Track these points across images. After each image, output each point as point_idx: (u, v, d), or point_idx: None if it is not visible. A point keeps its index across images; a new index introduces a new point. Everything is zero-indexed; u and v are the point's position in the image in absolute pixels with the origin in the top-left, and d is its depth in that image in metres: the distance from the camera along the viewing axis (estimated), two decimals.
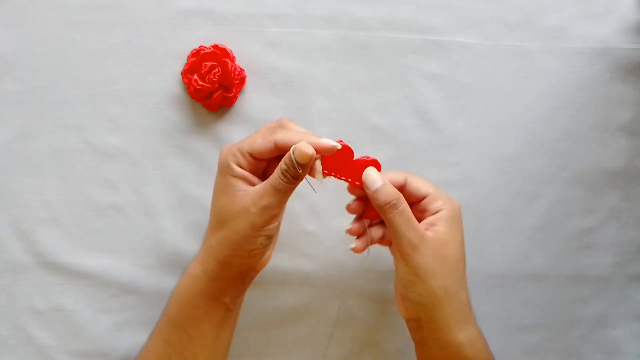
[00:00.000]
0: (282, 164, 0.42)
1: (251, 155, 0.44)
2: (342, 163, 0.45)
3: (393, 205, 0.44)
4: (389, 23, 0.56)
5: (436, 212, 0.46)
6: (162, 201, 0.55)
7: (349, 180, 0.46)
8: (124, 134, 0.55)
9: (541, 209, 0.57)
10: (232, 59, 0.54)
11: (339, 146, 0.43)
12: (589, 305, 0.57)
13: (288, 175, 0.42)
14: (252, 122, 0.55)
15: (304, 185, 0.55)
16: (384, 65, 0.56)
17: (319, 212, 0.56)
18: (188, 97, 0.55)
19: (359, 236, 0.47)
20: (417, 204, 0.47)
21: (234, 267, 0.45)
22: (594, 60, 0.57)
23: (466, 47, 0.56)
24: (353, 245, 0.46)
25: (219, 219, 0.44)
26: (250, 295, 0.55)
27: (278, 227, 0.45)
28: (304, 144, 0.42)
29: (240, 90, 0.55)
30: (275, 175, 0.43)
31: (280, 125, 0.45)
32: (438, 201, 0.46)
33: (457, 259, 0.46)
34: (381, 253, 0.56)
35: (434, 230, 0.45)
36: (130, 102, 0.55)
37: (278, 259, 0.55)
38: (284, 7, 0.55)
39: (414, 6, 0.56)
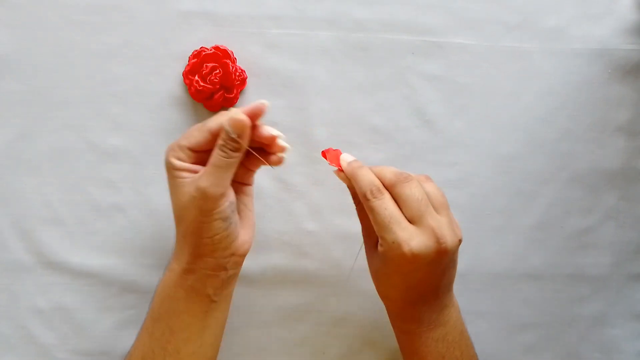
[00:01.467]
0: (219, 140, 0.43)
1: (189, 148, 0.44)
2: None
3: (372, 199, 0.44)
4: (388, 24, 0.56)
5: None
6: (163, 201, 0.55)
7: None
8: (125, 134, 0.55)
9: (540, 209, 0.57)
10: (233, 60, 0.54)
11: (266, 103, 0.44)
12: (588, 305, 0.57)
13: (226, 150, 0.43)
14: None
15: (304, 185, 0.56)
16: (384, 66, 0.56)
17: (319, 211, 0.56)
18: (189, 98, 0.55)
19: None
20: None
21: (207, 258, 0.44)
22: (593, 61, 0.57)
23: (465, 48, 0.57)
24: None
25: (176, 215, 0.45)
26: (250, 295, 0.55)
27: (233, 206, 0.44)
28: (235, 111, 0.43)
29: (241, 91, 0.55)
30: (214, 154, 0.43)
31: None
32: (380, 238, 0.44)
33: (423, 274, 0.44)
34: None
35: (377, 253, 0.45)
36: (131, 102, 0.55)
37: (278, 259, 0.56)
38: (284, 8, 0.55)
39: (413, 7, 0.56)
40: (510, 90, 0.57)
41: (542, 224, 0.57)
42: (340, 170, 0.47)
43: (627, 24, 0.57)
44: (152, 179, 0.55)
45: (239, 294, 0.55)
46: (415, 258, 0.42)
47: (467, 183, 0.57)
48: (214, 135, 0.43)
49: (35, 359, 0.54)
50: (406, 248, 0.41)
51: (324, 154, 0.48)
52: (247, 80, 0.55)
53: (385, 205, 0.43)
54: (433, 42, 0.56)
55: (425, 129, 0.57)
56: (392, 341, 0.56)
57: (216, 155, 0.43)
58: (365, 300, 0.56)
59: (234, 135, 0.43)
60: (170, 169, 0.44)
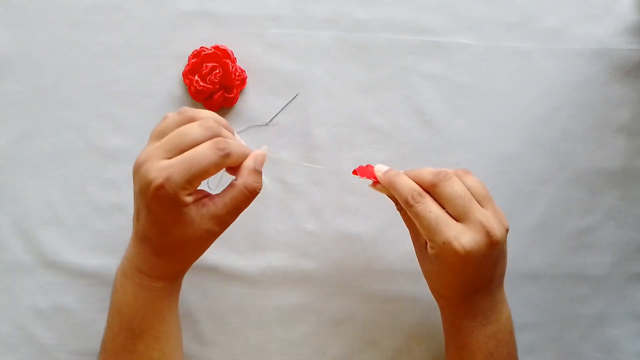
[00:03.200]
0: (249, 185, 0.42)
1: (201, 181, 0.41)
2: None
3: (416, 204, 0.44)
4: (388, 24, 0.56)
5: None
6: None
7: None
8: (125, 134, 0.55)
9: (540, 209, 0.57)
10: (233, 60, 0.54)
11: (266, 151, 0.44)
12: (588, 305, 0.57)
13: (256, 191, 0.43)
14: (252, 123, 0.56)
15: (304, 185, 0.56)
16: (384, 66, 0.56)
17: (319, 212, 0.56)
18: (189, 98, 0.55)
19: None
20: None
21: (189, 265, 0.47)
22: (593, 61, 0.57)
23: (465, 48, 0.57)
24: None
25: (177, 245, 0.43)
26: (250, 295, 0.55)
27: None
28: (263, 151, 0.43)
29: (241, 91, 0.55)
30: (237, 197, 0.42)
31: (222, 147, 0.41)
32: (428, 241, 0.43)
33: (474, 271, 0.43)
34: (380, 252, 0.56)
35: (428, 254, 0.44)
36: (131, 102, 0.55)
37: (278, 259, 0.56)
38: (284, 8, 0.56)
39: (413, 7, 0.56)
40: (510, 90, 0.57)
41: (542, 223, 0.57)
42: (376, 182, 0.47)
43: (627, 24, 0.57)
44: None
45: (239, 294, 0.55)
46: (467, 255, 0.41)
47: None
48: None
49: (35, 358, 0.54)
50: (458, 247, 0.41)
51: (355, 172, 0.47)
52: (247, 80, 0.55)
53: (430, 208, 0.42)
54: (433, 42, 0.56)
55: (425, 129, 0.57)
56: (392, 341, 0.56)
57: (241, 200, 0.42)
58: (365, 300, 0.56)
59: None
60: (179, 206, 0.41)
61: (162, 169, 0.40)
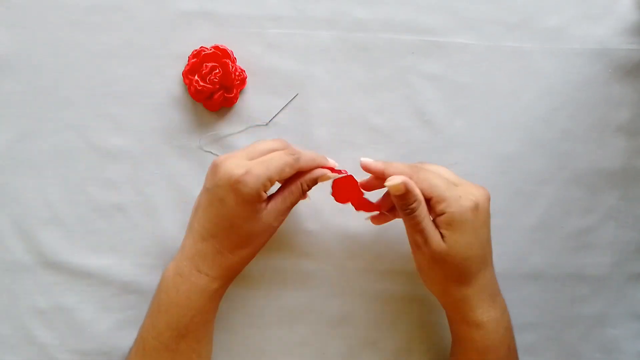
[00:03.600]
0: (304, 186, 0.48)
1: (277, 180, 0.46)
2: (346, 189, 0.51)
3: (406, 212, 0.46)
4: (388, 24, 0.56)
5: (440, 215, 0.45)
6: (163, 201, 0.55)
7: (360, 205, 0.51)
8: (125, 134, 0.55)
9: (540, 209, 0.57)
10: (233, 60, 0.54)
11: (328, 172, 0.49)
12: (588, 305, 0.57)
13: (305, 192, 0.49)
14: (252, 123, 0.56)
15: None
16: (384, 66, 0.56)
17: (319, 211, 0.56)
18: (189, 98, 0.55)
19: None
20: (427, 201, 0.47)
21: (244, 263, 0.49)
22: (593, 61, 0.57)
23: (465, 47, 0.57)
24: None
25: (244, 240, 0.47)
26: (250, 295, 0.55)
27: None
28: (327, 173, 0.49)
29: (240, 90, 0.55)
30: (295, 194, 0.48)
31: (293, 152, 0.47)
32: (442, 203, 0.45)
33: (459, 263, 0.46)
34: (380, 252, 0.56)
35: (439, 239, 0.46)
36: (131, 102, 0.55)
37: (278, 259, 0.56)
38: (284, 8, 0.56)
39: (413, 7, 0.56)
40: (510, 90, 0.57)
41: (543, 223, 0.57)
42: (375, 216, 0.51)
43: (627, 24, 0.57)
44: (152, 179, 0.55)
45: (239, 294, 0.55)
46: (479, 204, 0.46)
47: None
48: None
49: (35, 358, 0.55)
50: (472, 195, 0.45)
51: (337, 187, 0.51)
52: (246, 79, 0.55)
53: (434, 177, 0.46)
54: (433, 41, 0.56)
55: (425, 129, 0.57)
56: (392, 341, 0.56)
57: (296, 196, 0.48)
58: (365, 300, 0.56)
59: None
60: (256, 202, 0.45)
61: (244, 165, 0.45)
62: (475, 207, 0.45)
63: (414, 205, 0.45)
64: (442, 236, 0.45)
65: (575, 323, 0.57)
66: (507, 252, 0.57)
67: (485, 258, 0.47)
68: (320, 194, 0.55)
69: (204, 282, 0.46)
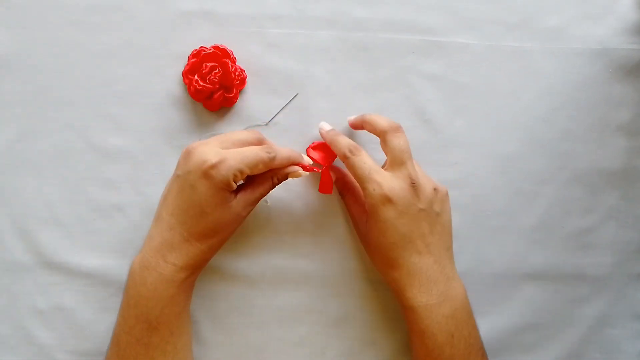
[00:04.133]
0: (274, 179, 0.49)
1: (248, 174, 0.47)
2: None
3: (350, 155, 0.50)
4: (388, 24, 0.56)
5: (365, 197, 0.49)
6: None
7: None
8: (125, 134, 0.55)
9: (540, 209, 0.57)
10: (233, 60, 0.54)
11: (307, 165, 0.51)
12: (588, 305, 0.57)
13: (275, 186, 0.50)
14: (252, 122, 0.56)
15: (304, 186, 0.56)
16: (384, 66, 0.56)
17: (319, 211, 0.56)
18: (189, 98, 0.55)
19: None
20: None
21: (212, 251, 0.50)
22: (593, 61, 0.57)
23: (465, 47, 0.57)
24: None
25: (212, 228, 0.47)
26: (250, 295, 0.55)
27: None
28: (298, 171, 0.50)
29: (240, 90, 0.55)
30: (265, 186, 0.49)
31: (270, 151, 0.48)
32: (364, 190, 0.48)
33: (376, 244, 0.49)
34: None
35: (367, 224, 0.50)
36: (131, 102, 0.55)
37: (278, 259, 0.56)
38: (284, 8, 0.56)
39: (413, 7, 0.56)
40: (510, 90, 0.57)
41: (543, 224, 0.57)
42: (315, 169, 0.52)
43: (627, 24, 0.57)
44: (152, 179, 0.55)
45: (239, 294, 0.55)
46: (393, 197, 0.47)
47: (467, 183, 0.57)
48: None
49: (35, 359, 0.54)
50: (386, 188, 0.47)
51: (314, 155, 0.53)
52: (246, 79, 0.55)
53: (364, 160, 0.48)
54: (433, 41, 0.56)
55: (425, 128, 0.57)
56: (391, 341, 0.56)
57: (267, 189, 0.50)
58: (365, 300, 0.56)
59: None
60: (226, 190, 0.46)
61: (218, 152, 0.46)
62: (389, 198, 0.47)
63: (344, 158, 0.50)
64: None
65: (576, 323, 0.57)
66: (507, 252, 0.57)
67: (410, 246, 0.48)
68: (320, 194, 0.55)
69: (171, 272, 0.46)
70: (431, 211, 0.48)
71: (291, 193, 0.56)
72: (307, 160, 0.51)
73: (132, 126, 0.55)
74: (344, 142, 0.50)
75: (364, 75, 0.56)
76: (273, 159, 0.47)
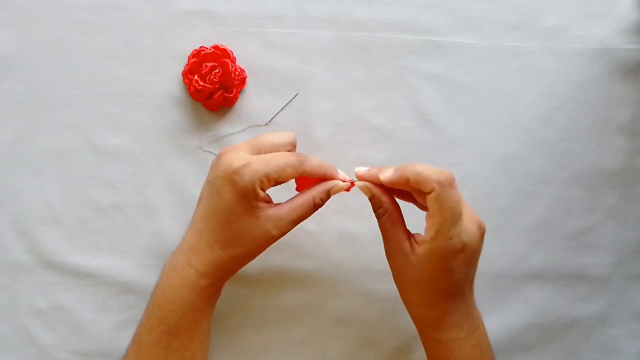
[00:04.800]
0: (316, 199, 0.46)
1: (276, 180, 0.44)
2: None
3: (378, 214, 0.47)
4: (388, 24, 0.56)
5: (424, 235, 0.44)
6: (163, 201, 0.55)
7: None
8: (125, 134, 0.55)
9: (540, 209, 0.57)
10: (233, 60, 0.54)
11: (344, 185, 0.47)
12: (588, 305, 0.57)
13: (317, 207, 0.47)
14: (252, 122, 0.56)
15: None
16: (384, 66, 0.56)
17: (319, 212, 0.56)
18: (189, 98, 0.55)
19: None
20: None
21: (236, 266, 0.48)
22: (593, 61, 0.57)
23: (465, 47, 0.57)
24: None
25: (236, 238, 0.45)
26: (250, 295, 0.55)
27: None
28: (339, 184, 0.47)
29: (240, 90, 0.55)
30: (305, 207, 0.46)
31: (299, 155, 0.45)
32: (444, 231, 0.42)
33: (430, 279, 0.44)
34: (380, 252, 0.56)
35: (416, 256, 0.44)
36: (131, 102, 0.55)
37: (278, 259, 0.56)
38: (284, 8, 0.56)
39: (413, 7, 0.56)
40: (510, 90, 0.57)
41: (543, 223, 0.57)
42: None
43: (627, 24, 0.57)
44: (152, 179, 0.55)
45: (239, 294, 0.55)
46: (468, 246, 0.43)
47: (468, 183, 0.57)
48: (301, 174, 0.45)
49: (35, 359, 0.54)
50: (465, 237, 0.42)
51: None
52: (246, 79, 0.55)
53: (457, 194, 0.43)
54: (433, 41, 0.56)
55: (425, 128, 0.57)
56: (391, 341, 0.56)
57: (308, 210, 0.46)
58: (365, 300, 0.56)
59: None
60: (251, 198, 0.44)
61: (244, 157, 0.44)
62: (461, 250, 0.43)
63: (380, 210, 0.46)
64: (414, 251, 0.44)
65: (576, 323, 0.57)
66: (507, 252, 0.57)
67: (458, 293, 0.45)
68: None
69: (194, 277, 0.46)
70: (480, 250, 0.45)
71: (291, 193, 0.56)
72: (343, 175, 0.47)
73: (132, 126, 0.55)
74: (433, 171, 0.43)
75: (363, 75, 0.56)
76: (302, 163, 0.44)
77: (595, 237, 0.57)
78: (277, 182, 0.45)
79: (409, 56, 0.56)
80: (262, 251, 0.47)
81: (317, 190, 0.46)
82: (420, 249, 0.44)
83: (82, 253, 0.55)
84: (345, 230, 0.56)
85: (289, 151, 0.47)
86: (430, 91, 0.56)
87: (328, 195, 0.47)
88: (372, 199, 0.46)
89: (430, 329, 0.47)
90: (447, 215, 0.42)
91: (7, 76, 0.54)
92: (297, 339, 0.56)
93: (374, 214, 0.47)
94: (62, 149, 0.55)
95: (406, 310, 0.53)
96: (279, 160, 0.44)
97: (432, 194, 0.42)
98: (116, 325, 0.55)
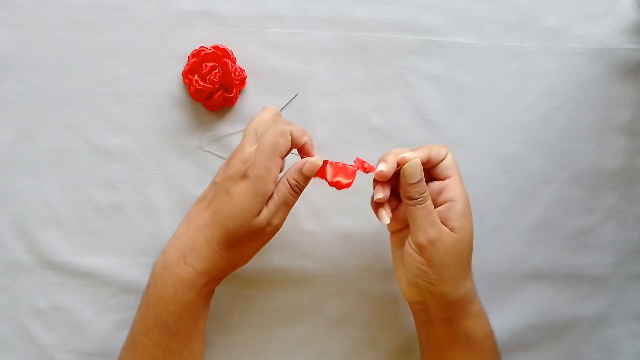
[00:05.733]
0: (290, 180, 0.46)
1: (281, 153, 0.46)
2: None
3: (418, 201, 0.45)
4: (388, 24, 0.56)
5: (451, 201, 0.46)
6: (162, 201, 0.55)
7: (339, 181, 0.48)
8: (125, 134, 0.55)
9: (540, 209, 0.57)
10: (233, 60, 0.54)
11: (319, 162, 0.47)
12: (588, 305, 0.57)
13: (297, 190, 0.47)
14: None
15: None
16: (384, 66, 0.56)
17: (319, 212, 0.56)
18: (189, 98, 0.55)
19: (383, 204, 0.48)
20: (435, 180, 0.48)
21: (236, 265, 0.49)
22: (593, 61, 0.57)
23: (465, 47, 0.56)
24: (382, 215, 0.47)
25: (233, 236, 0.46)
26: (251, 295, 0.55)
27: None
28: (315, 160, 0.47)
29: (240, 90, 0.55)
30: (286, 192, 0.46)
31: (283, 135, 0.45)
32: (455, 190, 0.46)
33: (468, 253, 0.47)
34: (380, 252, 0.56)
35: (450, 226, 0.46)
36: (131, 102, 0.55)
37: (278, 259, 0.56)
38: (284, 8, 0.56)
39: (413, 7, 0.56)
40: (510, 90, 0.57)
41: (543, 223, 0.57)
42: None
43: (627, 24, 0.57)
44: (152, 179, 0.55)
45: (239, 294, 0.55)
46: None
47: (468, 183, 0.56)
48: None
49: (35, 359, 0.54)
50: (466, 193, 0.47)
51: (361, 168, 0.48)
52: (246, 79, 0.55)
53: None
54: (433, 41, 0.56)
55: (425, 128, 0.57)
56: (391, 341, 0.56)
57: (289, 195, 0.46)
58: (365, 300, 0.56)
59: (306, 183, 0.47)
60: (263, 188, 0.45)
61: (249, 155, 0.45)
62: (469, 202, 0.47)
63: (425, 193, 0.45)
64: (450, 227, 0.46)
65: (575, 323, 0.57)
66: (507, 252, 0.57)
67: (470, 262, 0.48)
68: (320, 194, 0.55)
69: (191, 275, 0.46)
70: None
71: None
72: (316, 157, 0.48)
73: (132, 126, 0.55)
74: (435, 145, 0.48)
75: (363, 75, 0.56)
76: (289, 125, 0.46)
77: (595, 237, 0.57)
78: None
79: (409, 56, 0.56)
80: (259, 249, 0.48)
81: (289, 172, 0.47)
82: (453, 213, 0.46)
83: (82, 253, 0.55)
84: (345, 230, 0.56)
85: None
86: (430, 91, 0.56)
87: (302, 174, 0.46)
88: (419, 183, 0.45)
89: (463, 306, 0.47)
90: (458, 171, 0.47)
91: (7, 76, 0.54)
92: (297, 339, 0.56)
93: (408, 202, 0.45)
94: (62, 149, 0.55)
95: (406, 310, 0.53)
96: (271, 139, 0.45)
97: (450, 155, 0.47)
98: (116, 325, 0.55)
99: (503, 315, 0.57)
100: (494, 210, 0.57)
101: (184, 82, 0.54)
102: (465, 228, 0.46)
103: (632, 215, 0.58)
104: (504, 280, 0.57)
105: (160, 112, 0.55)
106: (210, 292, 0.49)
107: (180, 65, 0.55)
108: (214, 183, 0.47)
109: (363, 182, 0.49)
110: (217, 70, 0.53)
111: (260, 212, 0.45)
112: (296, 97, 0.56)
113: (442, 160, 0.47)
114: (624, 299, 0.58)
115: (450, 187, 0.46)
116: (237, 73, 0.54)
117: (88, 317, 0.55)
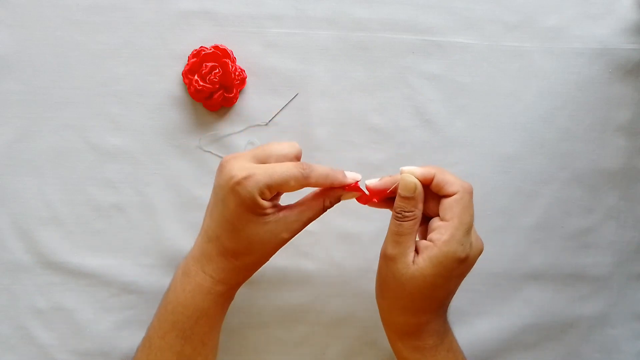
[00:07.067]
0: (326, 202, 0.46)
1: (278, 191, 0.44)
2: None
3: (398, 216, 0.44)
4: (388, 24, 0.56)
5: (430, 242, 0.43)
6: (162, 201, 0.55)
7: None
8: (125, 134, 0.55)
9: (540, 209, 0.57)
10: (233, 60, 0.54)
11: (357, 179, 0.46)
12: (588, 305, 0.57)
13: (326, 210, 0.46)
14: (252, 122, 0.56)
15: None
16: (384, 66, 0.56)
17: None
18: (189, 98, 0.55)
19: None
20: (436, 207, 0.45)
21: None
22: (593, 61, 0.57)
23: (465, 47, 0.57)
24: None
25: (246, 245, 0.45)
26: (251, 295, 0.55)
27: None
28: (349, 193, 0.46)
29: (240, 90, 0.55)
30: (315, 209, 0.46)
31: (305, 167, 0.44)
32: (441, 235, 0.43)
33: (423, 293, 0.43)
34: (380, 252, 0.56)
35: (416, 261, 0.43)
36: (131, 102, 0.55)
37: (278, 259, 0.55)
38: (284, 8, 0.56)
39: (413, 7, 0.56)
40: (510, 90, 0.57)
41: (543, 223, 0.57)
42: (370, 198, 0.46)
43: (627, 24, 0.57)
44: (152, 179, 0.55)
45: (239, 294, 0.55)
46: (467, 259, 0.43)
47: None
48: (306, 185, 0.44)
49: (35, 358, 0.54)
50: (470, 249, 0.43)
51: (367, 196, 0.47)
52: (246, 79, 0.55)
53: (473, 208, 0.44)
54: (433, 41, 0.56)
55: (425, 129, 0.57)
56: None
57: (318, 211, 0.46)
58: (365, 300, 0.56)
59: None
60: (256, 207, 0.43)
61: (246, 167, 0.43)
62: (465, 259, 0.43)
63: (410, 214, 0.43)
64: (414, 260, 0.43)
65: (575, 323, 0.57)
66: (507, 252, 0.57)
67: (446, 304, 0.46)
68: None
69: (208, 284, 0.45)
70: None
71: (291, 193, 0.56)
72: (353, 177, 0.46)
73: (132, 126, 0.55)
74: (457, 178, 0.44)
75: (363, 75, 0.56)
76: (307, 177, 0.43)
77: (595, 237, 0.57)
78: (281, 193, 0.46)
79: (409, 56, 0.56)
80: (274, 254, 0.46)
81: (330, 196, 0.46)
82: (426, 254, 0.42)
83: (82, 253, 0.55)
84: (345, 230, 0.56)
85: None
86: (430, 91, 0.56)
87: (339, 200, 0.47)
88: (412, 199, 0.43)
89: (408, 337, 0.46)
90: (465, 220, 0.43)
91: (7, 76, 0.54)
92: (297, 339, 0.56)
93: (395, 214, 0.44)
94: (62, 149, 0.55)
95: None
96: (282, 172, 0.43)
97: (456, 196, 0.43)
98: (116, 325, 0.55)
99: (503, 315, 0.57)
100: (494, 210, 0.57)
101: (184, 82, 0.54)
102: (429, 273, 0.42)
103: (632, 215, 0.58)
104: (504, 280, 0.57)
105: (160, 112, 0.55)
106: (229, 299, 0.48)
107: (180, 65, 0.55)
108: (213, 189, 0.46)
109: (362, 183, 0.49)
110: (217, 70, 0.53)
111: (266, 220, 0.44)
112: (296, 97, 0.56)
113: (446, 196, 0.43)
114: (624, 299, 0.58)
115: (440, 230, 0.43)
116: (237, 73, 0.54)
117: (88, 317, 0.55)
